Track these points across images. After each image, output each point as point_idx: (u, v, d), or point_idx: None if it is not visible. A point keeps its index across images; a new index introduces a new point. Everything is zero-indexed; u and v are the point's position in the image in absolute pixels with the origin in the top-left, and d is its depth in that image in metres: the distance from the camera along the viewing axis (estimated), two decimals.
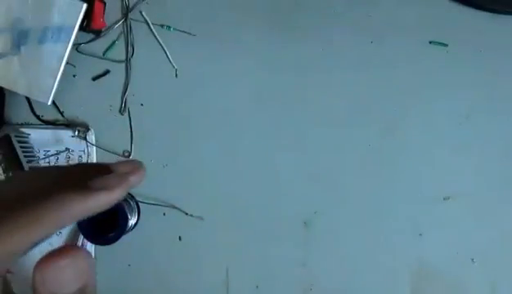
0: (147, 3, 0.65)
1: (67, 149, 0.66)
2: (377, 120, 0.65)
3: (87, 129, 0.66)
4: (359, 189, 0.65)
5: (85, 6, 0.60)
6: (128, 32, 0.66)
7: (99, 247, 0.66)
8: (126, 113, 0.67)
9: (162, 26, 0.65)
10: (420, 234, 0.65)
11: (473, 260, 0.65)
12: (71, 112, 0.67)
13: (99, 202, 0.28)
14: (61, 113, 0.67)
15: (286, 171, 0.66)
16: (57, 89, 0.61)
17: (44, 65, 0.61)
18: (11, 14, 0.60)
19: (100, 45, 0.66)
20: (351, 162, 0.65)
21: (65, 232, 0.66)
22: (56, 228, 0.27)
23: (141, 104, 0.66)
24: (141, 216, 0.67)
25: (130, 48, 0.66)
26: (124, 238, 0.61)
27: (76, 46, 0.64)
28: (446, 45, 0.64)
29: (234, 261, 0.67)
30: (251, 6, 0.65)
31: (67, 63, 0.62)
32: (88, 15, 0.62)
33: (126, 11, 0.65)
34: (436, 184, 0.65)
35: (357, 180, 0.65)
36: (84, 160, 0.66)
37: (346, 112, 0.65)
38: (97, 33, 0.65)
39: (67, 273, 0.27)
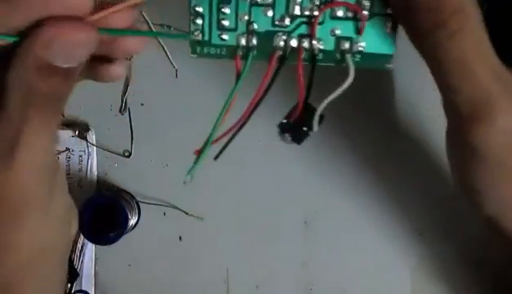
0: (147, 3, 0.66)
1: (67, 149, 0.66)
2: (378, 120, 0.65)
3: (88, 129, 0.66)
4: (359, 189, 0.65)
5: None
6: None
7: (99, 247, 0.66)
8: (126, 113, 0.67)
9: (162, 26, 0.65)
10: (421, 234, 0.65)
11: None
12: (71, 112, 0.67)
13: None
14: (61, 113, 0.67)
15: (286, 171, 0.66)
16: None
17: None
18: None
19: None
20: (351, 161, 0.65)
21: None
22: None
23: (142, 104, 0.67)
24: (141, 216, 0.67)
25: None
26: (124, 238, 0.62)
27: None
28: None
29: (234, 261, 0.67)
30: None
31: None
32: None
33: None
34: (438, 184, 0.65)
35: (357, 179, 0.65)
36: (85, 160, 0.66)
37: (346, 111, 0.65)
38: None
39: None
